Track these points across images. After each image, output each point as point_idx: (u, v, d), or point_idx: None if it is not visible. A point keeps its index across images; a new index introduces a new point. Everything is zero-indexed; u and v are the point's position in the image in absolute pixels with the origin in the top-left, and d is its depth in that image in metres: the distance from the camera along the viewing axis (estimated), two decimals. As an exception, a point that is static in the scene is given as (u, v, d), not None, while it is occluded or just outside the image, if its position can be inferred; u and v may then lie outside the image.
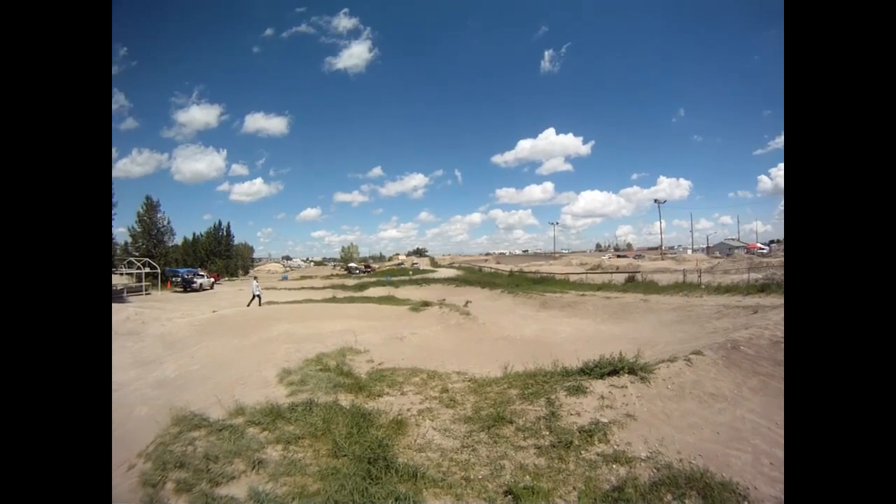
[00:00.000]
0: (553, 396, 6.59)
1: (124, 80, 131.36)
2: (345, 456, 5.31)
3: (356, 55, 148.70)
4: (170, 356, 13.62)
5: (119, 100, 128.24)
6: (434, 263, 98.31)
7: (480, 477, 4.94)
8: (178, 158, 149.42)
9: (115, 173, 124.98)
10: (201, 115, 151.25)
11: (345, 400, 7.49)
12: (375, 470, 4.89)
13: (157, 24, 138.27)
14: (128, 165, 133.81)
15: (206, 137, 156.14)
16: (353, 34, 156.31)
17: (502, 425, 6.06)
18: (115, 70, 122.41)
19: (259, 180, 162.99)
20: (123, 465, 5.90)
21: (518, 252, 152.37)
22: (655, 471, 4.70)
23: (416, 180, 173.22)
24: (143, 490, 4.96)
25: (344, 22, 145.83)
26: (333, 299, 30.15)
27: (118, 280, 43.99)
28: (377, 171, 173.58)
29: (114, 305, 28.96)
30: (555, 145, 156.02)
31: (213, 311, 24.17)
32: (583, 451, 5.24)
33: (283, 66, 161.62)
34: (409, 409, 7.05)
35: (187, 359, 13.15)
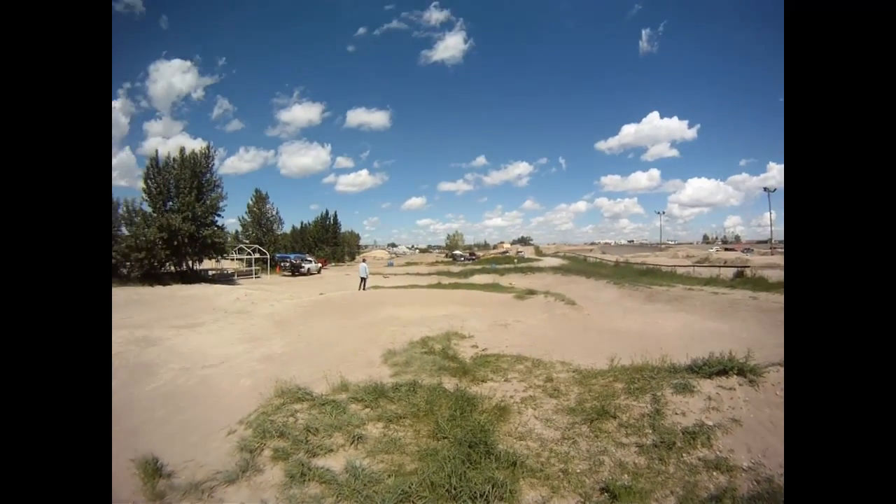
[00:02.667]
0: (659, 393, 6.23)
1: (227, 87, 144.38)
2: (445, 438, 5.29)
3: (451, 46, 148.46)
4: (277, 334, 14.29)
5: (224, 104, 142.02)
6: (539, 252, 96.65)
7: (578, 471, 4.80)
8: (283, 154, 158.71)
9: (222, 170, 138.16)
10: (303, 113, 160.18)
11: (448, 383, 7.53)
12: (475, 454, 4.85)
13: (253, 33, 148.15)
14: (235, 163, 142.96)
15: (311, 133, 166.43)
16: (447, 26, 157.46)
17: (605, 419, 5.84)
18: (216, 79, 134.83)
19: (364, 172, 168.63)
20: (223, 429, 6.29)
21: (623, 242, 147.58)
22: (755, 483, 4.34)
23: (520, 168, 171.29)
24: (240, 455, 5.16)
25: (435, 15, 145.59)
26: (438, 285, 30.52)
27: (229, 265, 46.58)
28: (481, 160, 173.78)
29: (225, 287, 30.92)
30: (659, 129, 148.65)
31: (320, 294, 25.02)
32: (684, 454, 4.95)
33: (379, 63, 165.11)
34: (511, 397, 6.96)
35: (294, 337, 13.76)
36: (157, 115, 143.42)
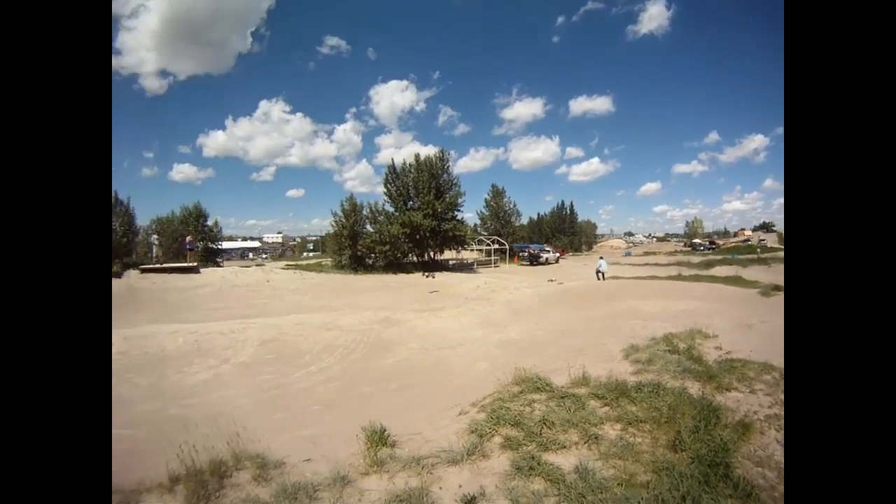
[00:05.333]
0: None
1: (445, 96, 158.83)
2: (685, 451, 4.46)
3: (655, 16, 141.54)
4: (515, 321, 14.45)
5: (447, 112, 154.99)
6: (783, 241, 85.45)
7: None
8: (513, 150, 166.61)
9: (456, 170, 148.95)
10: (526, 109, 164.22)
11: (692, 388, 6.57)
12: (714, 477, 4.02)
13: (458, 46, 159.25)
14: (468, 162, 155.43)
15: (537, 127, 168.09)
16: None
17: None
18: (434, 91, 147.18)
19: (595, 160, 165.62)
20: (454, 408, 6.29)
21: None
22: None
23: (756, 142, 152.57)
24: (469, 437, 5.03)
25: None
26: (679, 277, 28.31)
27: (469, 255, 48.73)
28: (713, 136, 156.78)
29: (465, 275, 32.90)
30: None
31: (559, 283, 24.73)
32: None
33: (587, 47, 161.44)
34: (755, 412, 5.72)
35: (532, 325, 13.74)
36: (387, 129, 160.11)
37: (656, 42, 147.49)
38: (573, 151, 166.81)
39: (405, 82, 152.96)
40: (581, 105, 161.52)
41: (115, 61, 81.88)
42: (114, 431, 6.96)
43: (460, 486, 4.03)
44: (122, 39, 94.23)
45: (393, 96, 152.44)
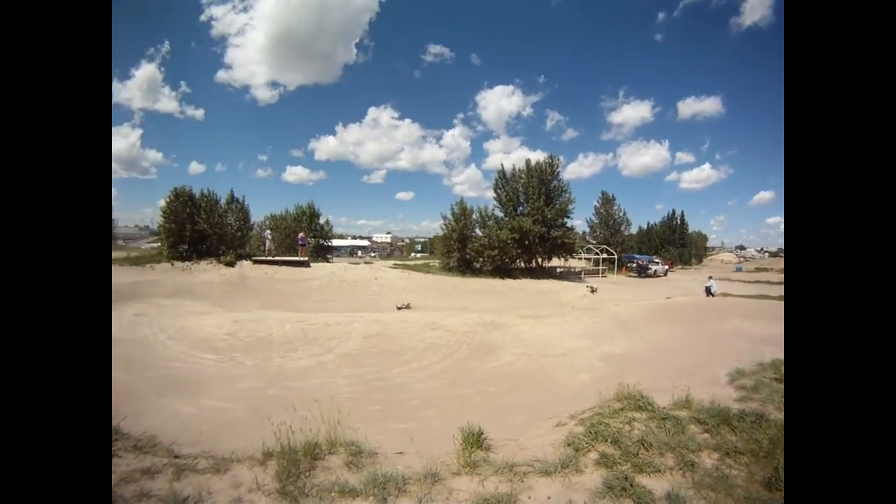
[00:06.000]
0: None
1: (552, 100, 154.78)
2: (779, 491, 4.16)
3: (757, 5, 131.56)
4: (619, 334, 14.04)
5: (554, 116, 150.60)
6: None
7: None
8: (622, 155, 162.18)
9: (566, 176, 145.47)
10: (634, 112, 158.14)
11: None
12: None
13: (561, 50, 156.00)
14: (577, 168, 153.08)
15: (646, 131, 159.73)
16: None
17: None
18: (540, 95, 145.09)
19: (706, 166, 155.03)
20: (552, 419, 6.21)
21: None
22: None
23: None
24: (564, 449, 4.93)
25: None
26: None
27: (576, 263, 47.95)
28: None
29: (571, 284, 32.47)
30: None
31: (667, 298, 23.84)
32: None
33: (691, 43, 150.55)
34: None
35: (636, 339, 13.33)
36: (495, 134, 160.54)
37: (762, 34, 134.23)
38: (683, 157, 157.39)
39: (511, 87, 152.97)
40: (689, 107, 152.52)
41: (226, 75, 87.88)
42: (214, 403, 7.79)
43: (549, 498, 3.97)
44: (231, 55, 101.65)
45: (499, 101, 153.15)
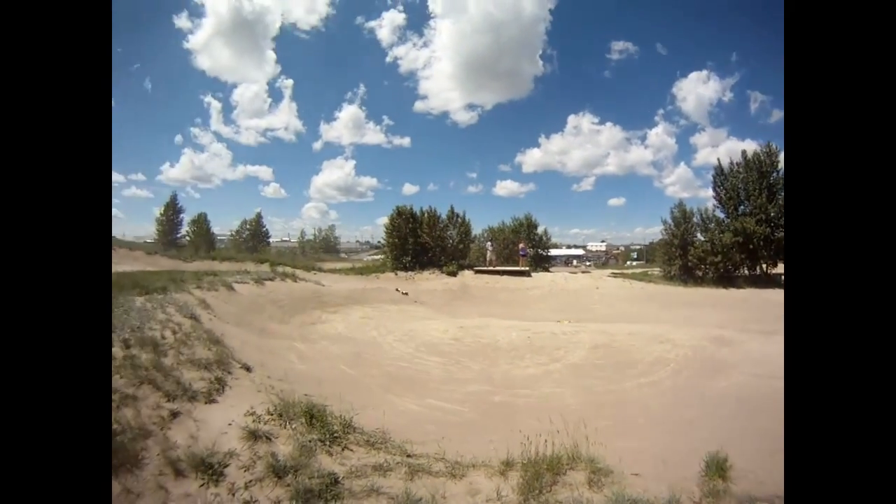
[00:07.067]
0: None
1: (748, 80, 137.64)
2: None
3: None
4: None
5: (756, 97, 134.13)
6: None
7: None
8: None
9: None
10: None
11: None
12: None
13: (741, 20, 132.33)
14: None
15: None
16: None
17: None
18: (736, 77, 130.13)
19: None
20: None
21: None
22: None
23: None
24: None
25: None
26: None
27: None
28: None
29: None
30: None
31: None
32: None
33: None
34: None
35: None
36: (699, 127, 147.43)
37: None
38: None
39: (704, 72, 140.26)
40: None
41: (423, 104, 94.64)
42: (441, 404, 7.88)
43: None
44: (424, 86, 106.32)
45: (696, 89, 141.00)
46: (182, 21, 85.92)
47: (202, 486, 3.91)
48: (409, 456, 4.65)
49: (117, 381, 5.31)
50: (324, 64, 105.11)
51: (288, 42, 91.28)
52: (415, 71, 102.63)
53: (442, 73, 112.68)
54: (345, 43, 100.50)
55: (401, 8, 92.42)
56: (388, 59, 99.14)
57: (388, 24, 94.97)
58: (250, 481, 3.96)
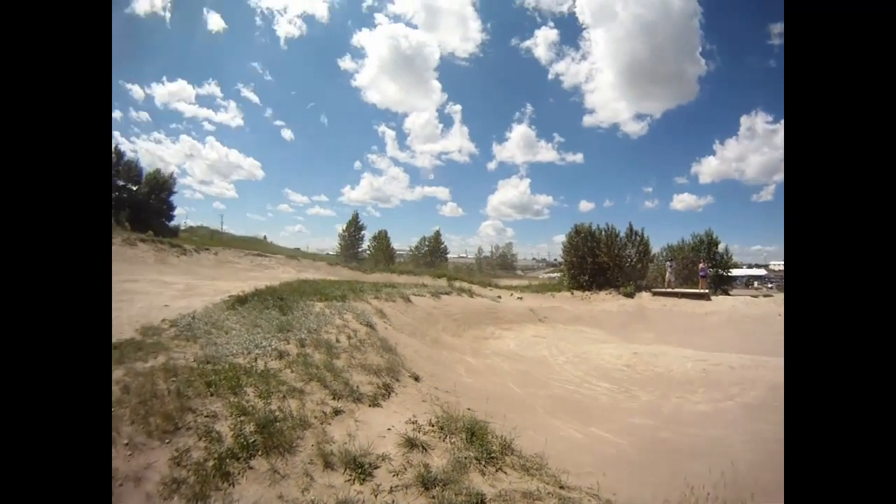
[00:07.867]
0: None
1: None
2: None
3: None
4: None
5: None
6: None
7: None
8: None
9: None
10: None
11: None
12: None
13: None
14: None
15: None
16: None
17: None
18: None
19: None
20: None
21: None
22: None
23: None
24: None
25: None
26: None
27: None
28: None
29: None
30: None
31: None
32: None
33: None
34: None
35: None
36: None
37: None
38: None
39: None
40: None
41: (592, 118, 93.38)
42: (603, 434, 7.61)
43: None
44: (589, 100, 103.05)
45: None
46: (346, 63, 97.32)
47: (348, 481, 4.07)
48: (561, 487, 4.56)
49: (287, 375, 5.67)
50: (488, 86, 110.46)
51: (450, 70, 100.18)
52: (578, 85, 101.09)
53: (605, 84, 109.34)
54: (505, 65, 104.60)
55: (552, 24, 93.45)
56: (549, 76, 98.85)
57: (542, 41, 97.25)
58: (396, 486, 4.07)
